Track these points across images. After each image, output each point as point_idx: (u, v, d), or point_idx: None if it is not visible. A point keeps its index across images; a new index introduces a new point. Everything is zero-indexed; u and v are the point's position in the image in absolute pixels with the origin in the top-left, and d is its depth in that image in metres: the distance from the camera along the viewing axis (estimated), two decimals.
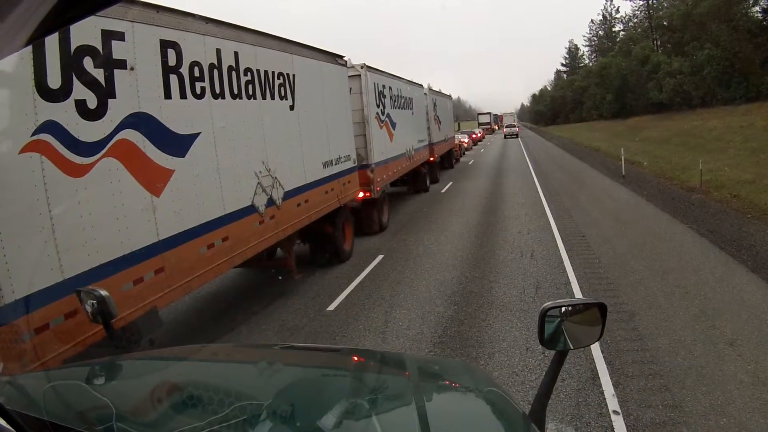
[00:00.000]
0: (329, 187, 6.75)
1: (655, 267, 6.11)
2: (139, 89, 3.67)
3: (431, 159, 15.81)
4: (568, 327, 1.34)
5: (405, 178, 12.83)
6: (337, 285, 6.38)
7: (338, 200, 7.02)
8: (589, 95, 50.87)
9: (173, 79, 4.00)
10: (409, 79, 13.08)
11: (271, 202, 5.18)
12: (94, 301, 1.58)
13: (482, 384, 1.49)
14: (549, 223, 8.93)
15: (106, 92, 3.37)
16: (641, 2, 48.09)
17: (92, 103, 3.28)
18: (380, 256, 7.54)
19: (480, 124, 62.40)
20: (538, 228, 8.66)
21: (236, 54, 4.76)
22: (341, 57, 7.54)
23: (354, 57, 8.77)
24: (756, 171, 12.10)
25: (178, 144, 4.00)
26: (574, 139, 33.85)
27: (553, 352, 1.39)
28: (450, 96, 23.95)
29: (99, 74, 3.33)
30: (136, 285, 3.65)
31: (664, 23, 40.16)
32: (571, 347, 1.36)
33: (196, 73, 4.24)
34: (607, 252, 6.91)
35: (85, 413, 1.17)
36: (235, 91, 4.70)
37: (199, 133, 4.21)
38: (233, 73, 4.69)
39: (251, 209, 4.84)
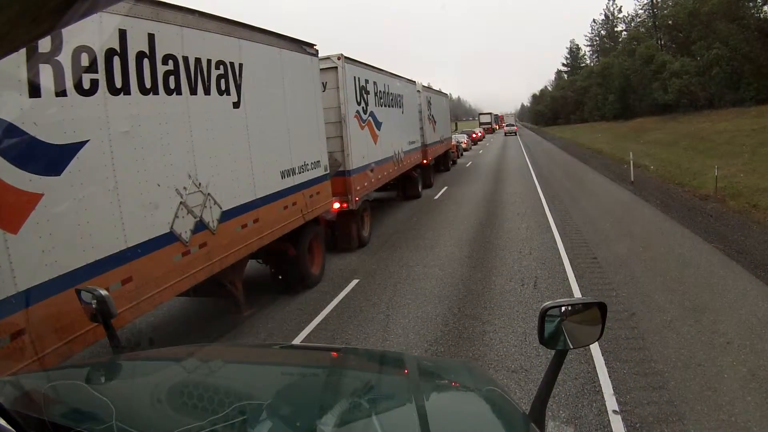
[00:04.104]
0: (290, 200, 5.60)
1: (685, 303, 5.01)
2: None
3: (425, 162, 14.70)
4: (568, 326, 1.32)
5: (394, 182, 11.66)
6: (298, 320, 5.27)
7: (303, 216, 5.87)
8: (590, 96, 49.99)
9: (45, 70, 2.89)
10: (399, 75, 11.92)
11: (201, 225, 4.05)
12: (94, 301, 1.57)
13: (482, 383, 1.49)
14: (554, 240, 7.80)
15: None
16: (646, 1, 46.95)
17: None
18: (355, 281, 6.41)
19: (481, 123, 63.23)
20: (541, 246, 7.54)
21: (151, 36, 3.63)
22: (310, 45, 6.33)
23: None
24: None
25: (50, 158, 2.90)
26: (575, 140, 32.74)
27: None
28: (447, 94, 22.86)
29: None
30: None
31: (669, 22, 39.00)
32: (571, 347, 1.35)
33: (84, 62, 3.12)
34: (625, 281, 5.78)
35: (85, 413, 1.15)
36: (147, 85, 3.57)
37: (85, 142, 3.09)
38: (145, 61, 3.56)
39: (170, 237, 3.72)
